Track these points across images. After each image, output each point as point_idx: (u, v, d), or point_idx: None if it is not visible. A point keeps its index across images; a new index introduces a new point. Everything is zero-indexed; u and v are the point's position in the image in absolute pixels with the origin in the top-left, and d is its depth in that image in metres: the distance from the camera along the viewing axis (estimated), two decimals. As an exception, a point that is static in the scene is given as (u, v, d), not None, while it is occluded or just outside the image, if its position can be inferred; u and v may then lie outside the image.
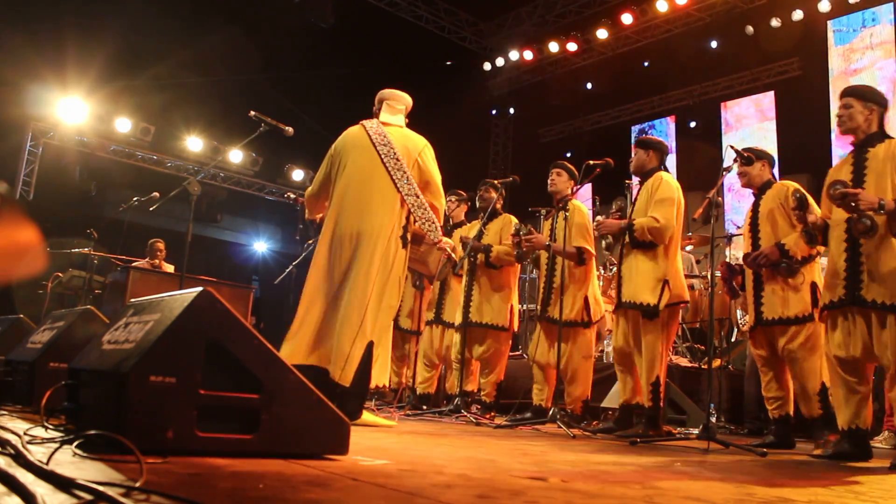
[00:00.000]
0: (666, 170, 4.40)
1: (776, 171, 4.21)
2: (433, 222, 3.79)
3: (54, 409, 2.15)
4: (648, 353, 4.03)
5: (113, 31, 8.58)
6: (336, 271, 3.65)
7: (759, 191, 4.05)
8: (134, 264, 6.77)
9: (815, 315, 3.66)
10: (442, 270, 4.27)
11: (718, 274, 4.49)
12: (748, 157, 3.91)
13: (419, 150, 3.86)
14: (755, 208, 4.04)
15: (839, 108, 3.52)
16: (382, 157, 3.76)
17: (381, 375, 3.65)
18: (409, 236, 3.80)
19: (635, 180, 4.62)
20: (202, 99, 10.03)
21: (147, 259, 7.23)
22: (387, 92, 4.07)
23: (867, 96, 3.47)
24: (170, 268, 7.11)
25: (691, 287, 6.28)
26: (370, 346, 3.55)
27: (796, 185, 3.87)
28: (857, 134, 3.45)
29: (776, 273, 3.85)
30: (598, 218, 4.63)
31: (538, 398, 4.85)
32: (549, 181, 4.97)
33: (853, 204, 3.13)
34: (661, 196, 4.15)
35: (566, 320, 4.60)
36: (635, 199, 4.41)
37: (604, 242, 4.51)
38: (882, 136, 3.40)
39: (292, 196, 4.32)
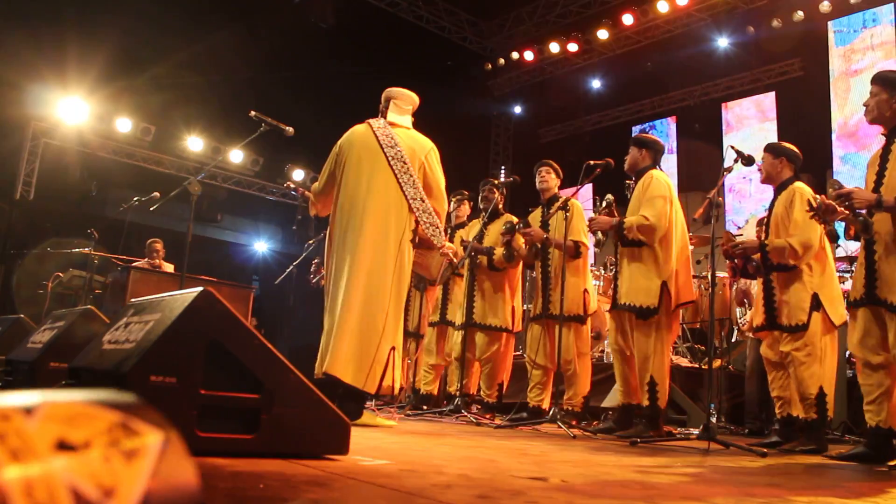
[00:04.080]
0: (659, 169, 4.38)
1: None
2: (437, 227, 3.77)
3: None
4: (641, 353, 4.03)
5: (113, 30, 8.57)
6: (348, 275, 3.60)
7: (778, 189, 3.96)
8: (134, 264, 6.77)
9: (812, 325, 3.66)
10: (443, 274, 4.27)
11: (723, 274, 4.51)
12: (749, 157, 3.90)
13: (426, 152, 3.82)
14: (771, 207, 3.96)
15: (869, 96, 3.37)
16: (390, 160, 3.71)
17: (396, 382, 3.63)
18: (416, 240, 3.78)
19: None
20: (202, 99, 10.03)
21: (146, 259, 7.24)
22: (395, 90, 4.00)
23: (894, 84, 3.27)
24: (169, 267, 7.10)
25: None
26: (392, 351, 3.54)
27: (807, 191, 3.79)
28: (884, 123, 3.30)
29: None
30: (591, 215, 4.63)
31: (536, 399, 4.84)
32: (540, 179, 4.99)
33: (847, 203, 3.08)
34: (651, 194, 4.13)
35: (567, 314, 4.59)
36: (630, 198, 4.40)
37: (595, 239, 4.52)
38: None
39: (293, 185, 4.28)
